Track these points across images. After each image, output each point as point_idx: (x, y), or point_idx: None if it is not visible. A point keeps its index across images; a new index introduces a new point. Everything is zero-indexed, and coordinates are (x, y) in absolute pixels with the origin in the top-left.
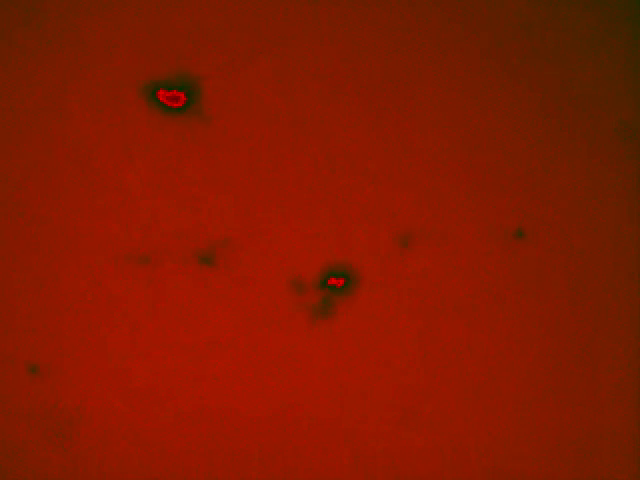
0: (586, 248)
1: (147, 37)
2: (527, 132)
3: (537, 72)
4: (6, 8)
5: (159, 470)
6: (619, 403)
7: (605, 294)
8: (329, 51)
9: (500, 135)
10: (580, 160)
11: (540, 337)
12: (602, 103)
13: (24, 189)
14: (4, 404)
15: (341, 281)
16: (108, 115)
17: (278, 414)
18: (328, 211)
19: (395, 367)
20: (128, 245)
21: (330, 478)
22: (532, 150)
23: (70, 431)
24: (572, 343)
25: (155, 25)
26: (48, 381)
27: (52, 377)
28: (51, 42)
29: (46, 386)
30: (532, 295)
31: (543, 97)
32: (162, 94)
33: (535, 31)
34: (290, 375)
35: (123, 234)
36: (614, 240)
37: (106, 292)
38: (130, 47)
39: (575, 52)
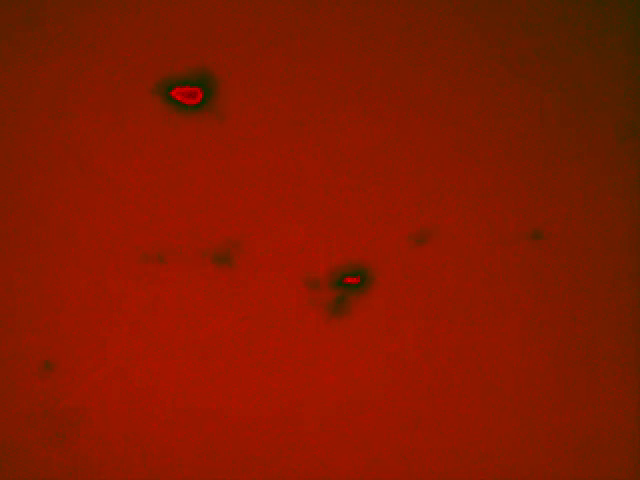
0: (586, 249)
1: (161, 32)
2: (526, 132)
3: (537, 72)
4: (11, 5)
5: (159, 470)
6: (619, 403)
7: (606, 294)
8: (348, 48)
9: (499, 135)
10: (579, 160)
11: (543, 337)
12: (602, 103)
13: (33, 189)
14: (4, 404)
15: (356, 279)
16: (121, 113)
17: (289, 413)
18: (343, 209)
19: (407, 366)
20: (142, 244)
21: (342, 478)
22: (531, 150)
23: (70, 431)
24: (573, 343)
25: (169, 20)
26: (48, 381)
27: (52, 377)
28: (60, 38)
29: (46, 386)
30: (537, 295)
31: (543, 97)
32: (177, 91)
33: (535, 31)
34: (303, 373)
35: (137, 233)
36: (615, 240)
37: (109, 291)
38: (144, 42)
39: (575, 52)
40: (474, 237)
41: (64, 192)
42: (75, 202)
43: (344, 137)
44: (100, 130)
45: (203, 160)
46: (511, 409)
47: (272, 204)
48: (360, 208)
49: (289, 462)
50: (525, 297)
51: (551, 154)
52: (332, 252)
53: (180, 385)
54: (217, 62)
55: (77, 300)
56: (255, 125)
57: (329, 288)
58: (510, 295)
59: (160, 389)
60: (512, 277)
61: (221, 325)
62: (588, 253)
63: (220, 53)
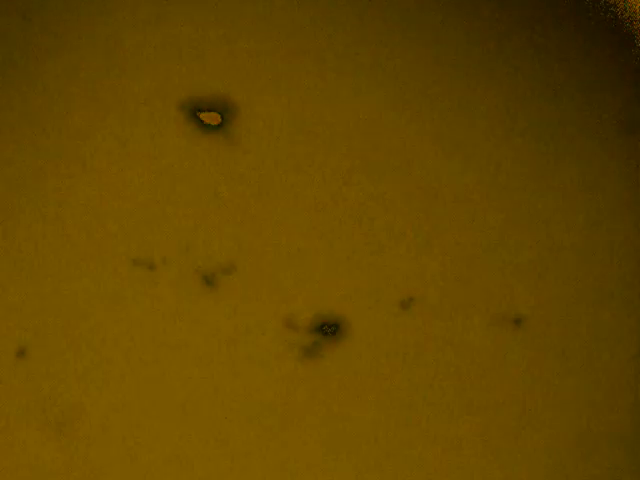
0: (586, 247)
1: (186, 56)
2: (527, 131)
3: (537, 71)
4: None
5: (159, 469)
6: (619, 403)
7: (606, 294)
8: (366, 81)
9: (501, 137)
10: (580, 159)
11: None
12: (602, 102)
13: (41, 192)
14: (1, 401)
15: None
16: (140, 129)
17: (270, 437)
18: (335, 258)
19: (378, 425)
20: (137, 250)
21: None
22: (531, 149)
23: (68, 429)
24: (573, 343)
25: (194, 46)
26: (47, 379)
27: (51, 375)
28: (91, 57)
29: (45, 384)
30: (522, 365)
31: (543, 96)
32: (196, 111)
33: (535, 30)
34: (276, 408)
35: (135, 240)
36: (615, 240)
37: (108, 292)
38: (169, 64)
39: (575, 52)
40: (456, 305)
41: (63, 193)
42: (77, 203)
43: (342, 186)
44: (107, 136)
45: (210, 181)
46: (510, 409)
47: (268, 236)
48: (351, 264)
49: None
50: (513, 369)
51: (550, 153)
52: (316, 298)
53: (177, 385)
54: (240, 89)
55: (76, 299)
56: (267, 157)
57: (307, 331)
58: (488, 368)
59: (158, 388)
60: (496, 359)
61: (198, 343)
62: (587, 253)
63: (245, 81)
